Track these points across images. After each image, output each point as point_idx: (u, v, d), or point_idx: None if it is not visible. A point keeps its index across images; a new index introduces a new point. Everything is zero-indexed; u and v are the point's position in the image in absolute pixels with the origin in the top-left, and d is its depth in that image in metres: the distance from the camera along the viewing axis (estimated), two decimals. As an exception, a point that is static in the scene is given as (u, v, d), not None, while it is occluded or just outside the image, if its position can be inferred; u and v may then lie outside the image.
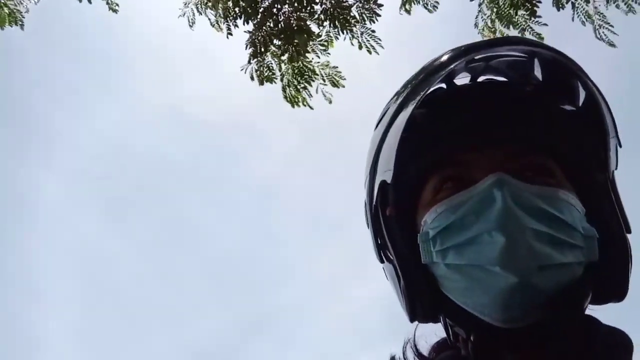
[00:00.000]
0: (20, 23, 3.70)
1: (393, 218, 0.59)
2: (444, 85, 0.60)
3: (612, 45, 2.57)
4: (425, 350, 0.62)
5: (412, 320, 0.58)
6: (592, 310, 0.54)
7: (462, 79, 0.61)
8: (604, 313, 0.53)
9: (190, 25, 3.01)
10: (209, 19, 2.93)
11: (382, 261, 0.62)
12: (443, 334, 0.60)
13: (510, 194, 0.48)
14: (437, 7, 2.82)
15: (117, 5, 3.15)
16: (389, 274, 0.62)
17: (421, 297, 0.55)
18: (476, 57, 0.56)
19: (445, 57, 0.54)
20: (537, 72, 0.58)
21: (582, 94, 0.56)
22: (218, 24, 2.94)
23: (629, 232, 0.55)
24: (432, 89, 0.56)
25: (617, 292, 0.53)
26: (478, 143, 0.54)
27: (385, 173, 0.55)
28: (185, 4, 3.03)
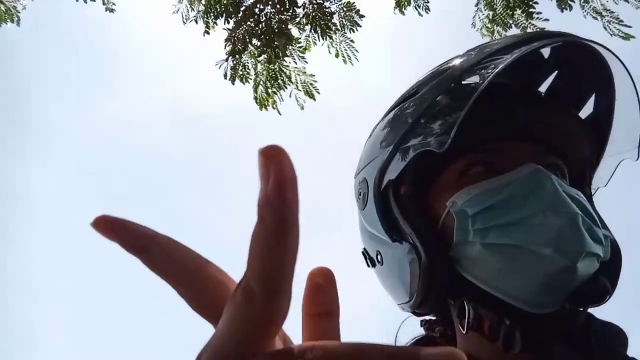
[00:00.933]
0: (17, 19, 3.72)
1: (410, 197, 0.56)
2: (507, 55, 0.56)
3: (626, 38, 2.50)
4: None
5: (414, 308, 0.55)
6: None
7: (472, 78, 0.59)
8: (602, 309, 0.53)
9: (184, 22, 3.01)
10: (196, 17, 2.93)
11: (373, 264, 0.61)
12: (414, 334, 0.61)
13: (556, 181, 0.49)
14: (428, 11, 2.81)
15: (114, 4, 3.17)
16: (393, 259, 0.58)
17: (441, 278, 0.52)
18: (521, 54, 0.53)
19: (511, 42, 0.54)
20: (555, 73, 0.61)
21: (603, 105, 0.58)
22: (197, 20, 2.93)
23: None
24: (510, 60, 0.52)
25: (600, 297, 0.51)
26: (506, 135, 0.54)
27: (437, 139, 0.50)
28: (179, 1, 3.04)
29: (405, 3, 2.87)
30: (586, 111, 0.61)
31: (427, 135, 0.52)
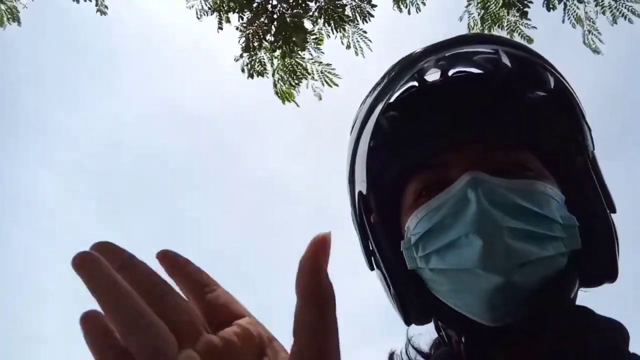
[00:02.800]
0: (17, 19, 3.71)
1: (378, 224, 0.59)
2: (415, 83, 0.59)
3: (596, 52, 2.63)
4: (426, 346, 0.62)
5: (407, 324, 0.59)
6: (589, 301, 0.53)
7: (433, 74, 0.61)
8: (604, 305, 0.53)
9: (198, 17, 3.02)
10: (207, 8, 2.94)
11: (371, 268, 0.62)
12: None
13: (484, 192, 0.48)
14: (419, 10, 2.87)
15: (107, 7, 3.17)
16: (380, 281, 0.62)
17: (412, 302, 0.56)
18: (446, 55, 0.55)
19: (412, 57, 0.54)
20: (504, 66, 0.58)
21: (551, 83, 0.56)
22: (211, 12, 2.94)
23: (614, 211, 0.55)
24: (400, 90, 0.56)
25: (607, 272, 0.53)
26: (454, 142, 0.54)
27: (361, 183, 0.56)
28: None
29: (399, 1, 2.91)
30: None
31: (359, 174, 0.57)
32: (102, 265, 0.26)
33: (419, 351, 0.62)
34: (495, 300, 0.47)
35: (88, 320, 0.25)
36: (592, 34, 2.63)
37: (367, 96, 0.59)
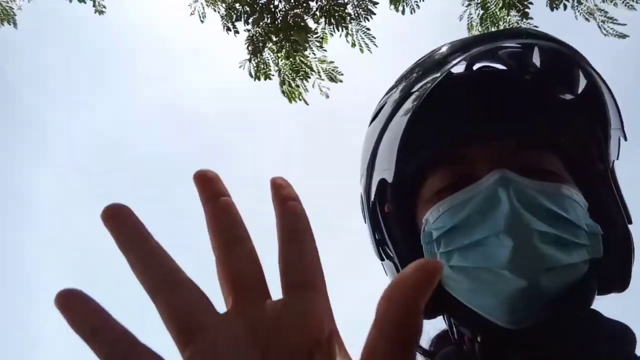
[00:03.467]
0: (13, 21, 3.68)
1: (392, 215, 0.58)
2: (437, 74, 0.57)
3: (622, 37, 2.55)
4: (425, 343, 0.61)
5: None
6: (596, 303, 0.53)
7: (460, 68, 0.59)
8: (610, 307, 0.53)
9: (201, 21, 3.03)
10: (220, 13, 2.95)
11: (382, 259, 0.61)
12: (441, 327, 0.60)
13: (515, 193, 0.47)
14: (414, 11, 2.87)
15: (104, 7, 3.15)
16: (389, 272, 0.61)
17: None
18: (475, 53, 0.54)
19: (444, 52, 0.54)
20: (536, 62, 0.57)
21: (583, 83, 0.55)
22: (226, 24, 2.96)
23: (630, 222, 0.55)
24: (428, 82, 0.53)
25: (620, 282, 0.53)
26: (479, 136, 0.53)
27: (385, 172, 0.54)
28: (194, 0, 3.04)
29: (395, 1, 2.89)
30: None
31: (384, 162, 0.55)
32: (133, 217, 0.24)
33: (420, 347, 0.60)
34: (517, 303, 0.46)
35: (66, 299, 0.22)
36: (606, 23, 2.58)
37: (395, 87, 0.59)
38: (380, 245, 0.61)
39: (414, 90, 0.53)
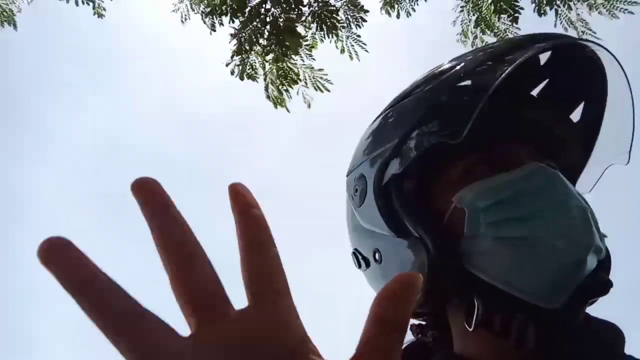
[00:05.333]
0: (13, 23, 3.70)
1: (411, 192, 0.55)
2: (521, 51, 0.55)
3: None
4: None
5: (416, 307, 0.50)
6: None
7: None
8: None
9: (182, 21, 3.03)
10: (202, 15, 2.95)
11: (397, 236, 0.55)
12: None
13: (560, 181, 0.50)
14: (409, 15, 2.87)
15: (104, 9, 3.17)
16: (396, 255, 0.56)
17: (448, 272, 0.51)
18: (565, 43, 0.58)
19: (525, 39, 0.56)
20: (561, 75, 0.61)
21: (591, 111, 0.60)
22: (205, 20, 2.96)
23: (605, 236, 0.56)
24: (521, 60, 0.52)
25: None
26: (508, 136, 0.55)
27: (450, 131, 0.50)
28: (179, 0, 3.04)
29: (390, 4, 2.91)
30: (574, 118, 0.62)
31: (436, 130, 0.52)
32: (161, 189, 0.24)
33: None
34: (565, 277, 0.47)
35: (52, 248, 0.21)
36: (585, 34, 2.64)
37: (439, 69, 0.59)
38: (390, 224, 0.55)
39: (482, 69, 0.54)
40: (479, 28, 2.82)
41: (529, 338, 0.47)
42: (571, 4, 2.62)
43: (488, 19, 2.72)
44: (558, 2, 2.63)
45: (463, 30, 2.92)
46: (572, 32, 2.72)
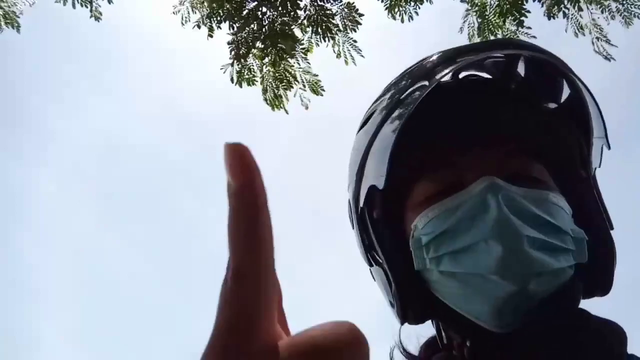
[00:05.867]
0: (17, 25, 3.73)
1: (381, 220, 0.59)
2: (426, 83, 0.56)
3: (608, 59, 2.58)
4: (414, 349, 0.61)
5: (402, 323, 0.58)
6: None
7: (446, 77, 0.59)
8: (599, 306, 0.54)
9: (183, 24, 3.06)
10: (201, 19, 2.99)
11: (370, 264, 0.62)
12: (429, 333, 0.60)
13: (503, 199, 0.48)
14: (412, 19, 2.89)
15: (100, 13, 3.20)
16: (378, 278, 0.61)
17: (413, 301, 0.55)
18: (465, 64, 0.55)
19: (433, 62, 0.55)
20: (521, 71, 0.58)
21: (567, 92, 0.56)
22: (200, 25, 2.98)
23: (612, 228, 0.56)
24: (414, 90, 0.54)
25: (602, 286, 0.54)
26: (468, 144, 0.53)
27: (377, 178, 0.54)
28: (180, 2, 3.08)
29: (396, 7, 2.92)
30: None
31: (375, 168, 0.55)
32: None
33: (408, 354, 0.61)
34: (505, 307, 0.47)
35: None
36: (600, 40, 2.60)
37: (383, 94, 0.60)
38: (368, 250, 0.61)
39: (403, 97, 0.54)
40: (482, 35, 2.81)
41: (466, 358, 0.50)
42: (583, 6, 2.60)
43: (493, 23, 2.72)
44: (567, 4, 2.61)
45: (469, 35, 2.92)
46: (582, 38, 2.65)
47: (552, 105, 0.58)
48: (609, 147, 0.58)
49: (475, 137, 0.53)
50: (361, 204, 0.59)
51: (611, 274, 0.53)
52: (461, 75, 0.61)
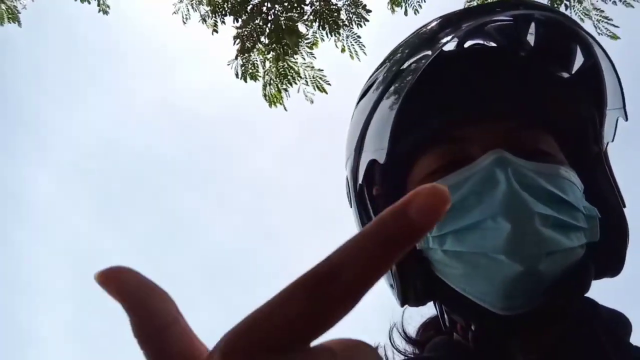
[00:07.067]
0: (18, 20, 3.75)
1: (381, 197, 0.56)
2: (429, 52, 0.52)
3: (614, 37, 2.55)
4: (412, 331, 0.60)
5: (402, 305, 0.56)
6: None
7: (451, 45, 0.56)
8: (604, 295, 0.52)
9: (184, 22, 3.06)
10: (202, 16, 2.99)
11: None
12: (428, 314, 0.59)
13: (513, 173, 0.45)
14: (417, 12, 2.89)
15: (108, 7, 3.21)
16: None
17: (414, 282, 0.52)
18: (470, 30, 0.51)
19: (434, 29, 0.51)
20: (531, 37, 0.55)
21: (580, 60, 0.53)
22: (205, 20, 2.99)
23: (624, 206, 0.53)
24: (417, 59, 0.51)
25: (613, 267, 0.51)
26: (474, 117, 0.50)
27: (377, 152, 0.50)
28: (179, 0, 3.06)
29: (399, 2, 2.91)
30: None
31: (375, 142, 0.51)
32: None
33: (407, 337, 0.59)
34: (513, 289, 0.44)
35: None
36: (601, 22, 2.60)
37: (383, 63, 0.57)
38: None
39: (404, 67, 0.51)
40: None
41: (482, 346, 0.47)
42: None
43: None
44: None
45: None
46: (587, 23, 2.66)
47: (565, 74, 0.54)
48: (626, 119, 0.54)
49: (481, 110, 0.50)
50: (360, 180, 0.56)
51: (623, 254, 0.51)
52: (467, 45, 0.57)
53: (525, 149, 0.49)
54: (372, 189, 0.57)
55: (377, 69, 0.58)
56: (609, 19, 2.59)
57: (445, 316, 0.53)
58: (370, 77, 0.59)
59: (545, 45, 0.54)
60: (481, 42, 0.58)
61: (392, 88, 0.51)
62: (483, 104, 0.51)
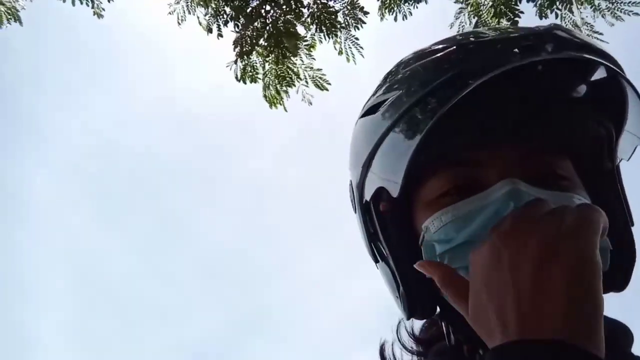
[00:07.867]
0: (18, 19, 3.78)
1: (388, 214, 0.55)
2: (451, 89, 0.47)
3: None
4: (417, 327, 0.61)
5: (408, 319, 0.56)
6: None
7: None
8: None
9: (179, 23, 3.09)
10: (198, 17, 3.02)
11: (376, 260, 0.59)
12: None
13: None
14: (405, 18, 2.94)
15: (103, 9, 3.24)
16: (383, 275, 0.58)
17: (422, 302, 0.54)
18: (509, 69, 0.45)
19: (460, 56, 0.48)
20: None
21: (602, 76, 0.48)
22: (208, 25, 3.02)
23: (632, 224, 0.53)
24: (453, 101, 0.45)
25: (619, 284, 0.51)
26: (491, 141, 0.49)
27: (390, 183, 0.49)
28: (176, 1, 3.09)
29: (389, 7, 2.95)
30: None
31: (388, 172, 0.50)
32: None
33: (413, 335, 0.60)
34: None
35: None
36: (591, 37, 2.69)
37: (403, 77, 0.53)
38: (372, 240, 0.58)
39: (428, 92, 0.46)
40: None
41: None
42: (573, 8, 2.64)
43: (487, 23, 2.74)
44: (559, 5, 2.65)
45: (458, 32, 2.96)
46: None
47: (581, 91, 0.50)
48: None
49: (500, 134, 0.48)
50: (367, 198, 0.55)
51: (630, 271, 0.51)
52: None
53: (540, 174, 0.48)
54: (378, 201, 0.56)
55: (392, 79, 0.54)
56: (599, 33, 2.64)
57: (451, 336, 0.54)
58: (384, 86, 0.55)
59: (562, 65, 0.49)
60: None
61: (411, 113, 0.47)
62: (500, 128, 0.48)
